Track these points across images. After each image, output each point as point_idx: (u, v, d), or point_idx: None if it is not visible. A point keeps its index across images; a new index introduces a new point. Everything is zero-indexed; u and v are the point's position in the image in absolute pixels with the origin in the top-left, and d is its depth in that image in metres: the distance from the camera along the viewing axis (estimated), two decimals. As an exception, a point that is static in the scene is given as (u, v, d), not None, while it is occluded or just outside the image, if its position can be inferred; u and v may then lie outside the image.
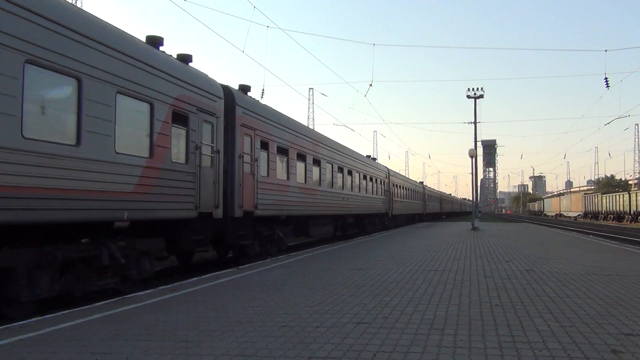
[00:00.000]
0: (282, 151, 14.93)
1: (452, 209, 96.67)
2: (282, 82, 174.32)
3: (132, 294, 7.86)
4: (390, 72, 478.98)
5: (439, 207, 71.31)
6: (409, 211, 43.00)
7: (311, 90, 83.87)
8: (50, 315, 6.39)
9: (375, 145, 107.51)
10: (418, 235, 24.12)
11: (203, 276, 9.86)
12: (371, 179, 27.99)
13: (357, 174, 24.76)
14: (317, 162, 18.18)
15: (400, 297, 7.22)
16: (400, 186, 38.42)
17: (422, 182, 57.92)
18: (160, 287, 8.52)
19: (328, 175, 19.70)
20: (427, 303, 6.79)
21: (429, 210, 58.75)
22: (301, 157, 16.65)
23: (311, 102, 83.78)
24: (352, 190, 23.49)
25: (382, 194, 31.25)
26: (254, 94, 14.56)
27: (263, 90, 27.49)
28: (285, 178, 15.13)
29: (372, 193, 28.40)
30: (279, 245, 15.13)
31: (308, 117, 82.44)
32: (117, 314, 6.35)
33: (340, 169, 21.69)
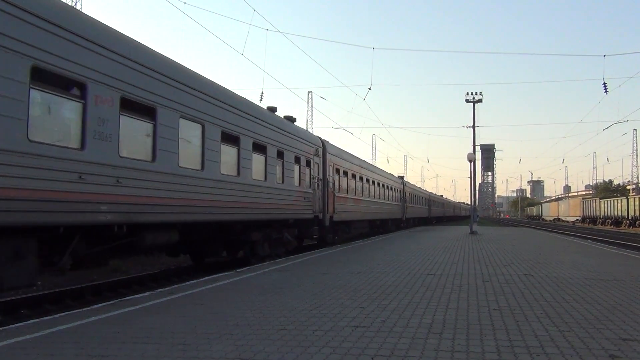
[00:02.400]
0: None
1: (445, 212, 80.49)
2: (281, 85, 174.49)
3: (130, 297, 7.85)
4: (389, 76, 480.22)
5: (427, 210, 56.96)
6: (371, 215, 28.30)
7: (310, 93, 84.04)
8: (48, 317, 6.38)
9: (374, 148, 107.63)
10: (416, 239, 24.11)
11: (201, 279, 9.85)
12: (262, 150, 13.89)
13: (206, 128, 11.05)
14: None
15: (398, 301, 7.21)
16: (352, 174, 23.93)
17: (402, 177, 43.36)
18: (158, 290, 8.51)
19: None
20: (425, 307, 6.79)
21: (412, 214, 45.14)
22: None
23: (310, 105, 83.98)
24: (182, 164, 10.15)
25: (306, 183, 17.47)
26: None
27: (262, 93, 27.46)
28: None
29: (270, 179, 14.39)
30: None
31: (307, 120, 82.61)
32: (114, 316, 6.34)
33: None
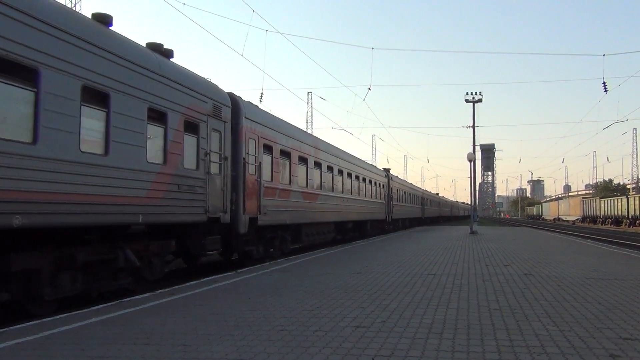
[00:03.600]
0: None
1: (441, 212, 73.46)
2: (280, 85, 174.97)
3: (130, 298, 7.85)
4: (389, 76, 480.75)
5: (420, 210, 50.25)
6: (336, 216, 20.86)
7: (310, 94, 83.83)
8: (48, 319, 6.37)
9: (374, 149, 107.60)
10: (416, 239, 24.11)
11: (201, 280, 9.85)
12: (29, 78, 6.47)
13: None
14: None
15: (398, 301, 7.21)
16: (300, 157, 16.59)
17: (387, 170, 35.16)
18: (159, 291, 8.50)
19: None
20: (426, 307, 6.79)
21: (400, 214, 37.81)
22: None
23: (310, 106, 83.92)
24: None
25: (186, 161, 10.07)
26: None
27: (262, 93, 27.46)
28: None
29: (59, 142, 6.91)
30: None
31: (307, 120, 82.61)
32: (115, 317, 6.34)
33: None
